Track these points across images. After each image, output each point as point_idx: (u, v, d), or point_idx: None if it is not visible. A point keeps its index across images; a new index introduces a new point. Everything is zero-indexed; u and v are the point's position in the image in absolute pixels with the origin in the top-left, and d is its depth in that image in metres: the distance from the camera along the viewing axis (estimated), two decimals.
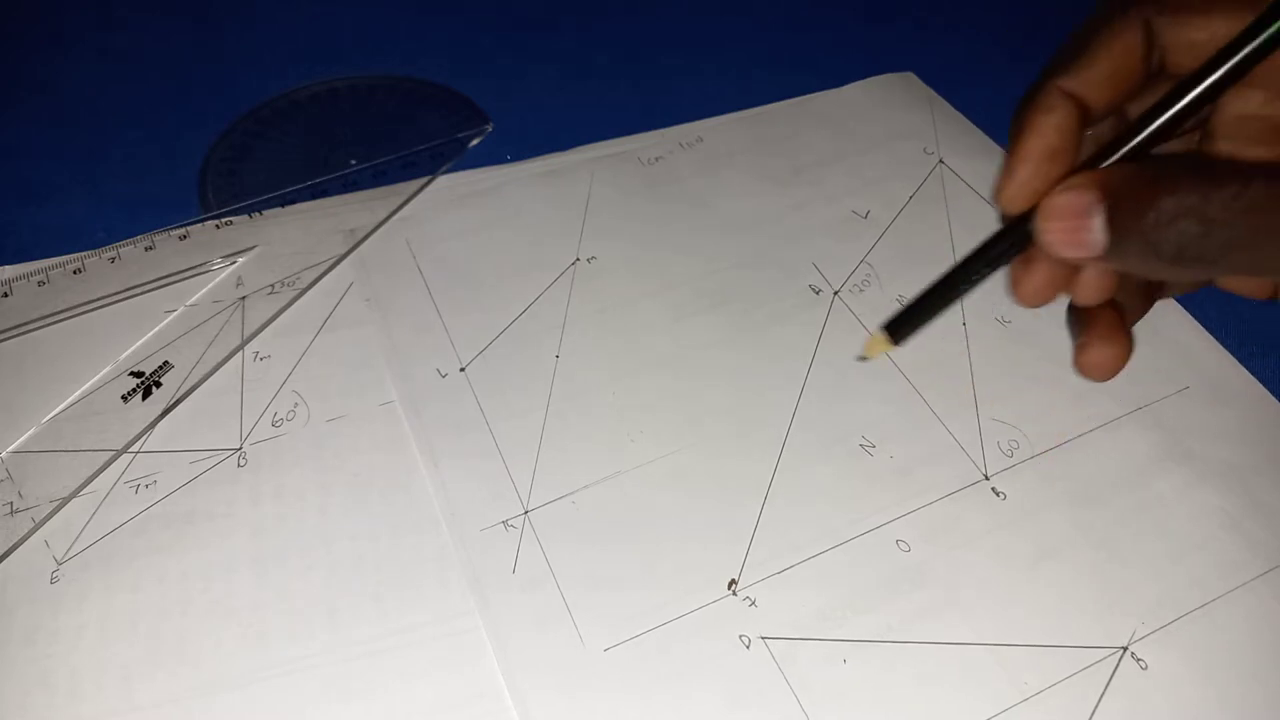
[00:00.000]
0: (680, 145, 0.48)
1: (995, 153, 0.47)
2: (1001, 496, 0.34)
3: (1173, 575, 0.32)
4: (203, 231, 0.43)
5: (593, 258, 0.43)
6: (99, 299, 0.40)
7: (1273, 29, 0.19)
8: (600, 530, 0.33)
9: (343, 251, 0.43)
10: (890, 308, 0.41)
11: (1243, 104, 0.22)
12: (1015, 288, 0.24)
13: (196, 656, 0.30)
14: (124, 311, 0.40)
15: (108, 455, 0.36)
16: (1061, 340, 0.25)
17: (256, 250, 0.43)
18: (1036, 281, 0.24)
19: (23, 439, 0.36)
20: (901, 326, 0.24)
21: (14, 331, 0.39)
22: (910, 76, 0.52)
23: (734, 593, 0.32)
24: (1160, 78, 0.22)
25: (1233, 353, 0.39)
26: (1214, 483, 0.35)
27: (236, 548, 0.33)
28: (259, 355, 0.39)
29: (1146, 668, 0.30)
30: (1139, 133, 0.21)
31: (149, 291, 0.41)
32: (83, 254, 0.42)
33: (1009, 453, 0.36)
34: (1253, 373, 0.38)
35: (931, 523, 0.34)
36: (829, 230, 0.44)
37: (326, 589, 0.32)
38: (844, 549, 0.33)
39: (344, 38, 0.55)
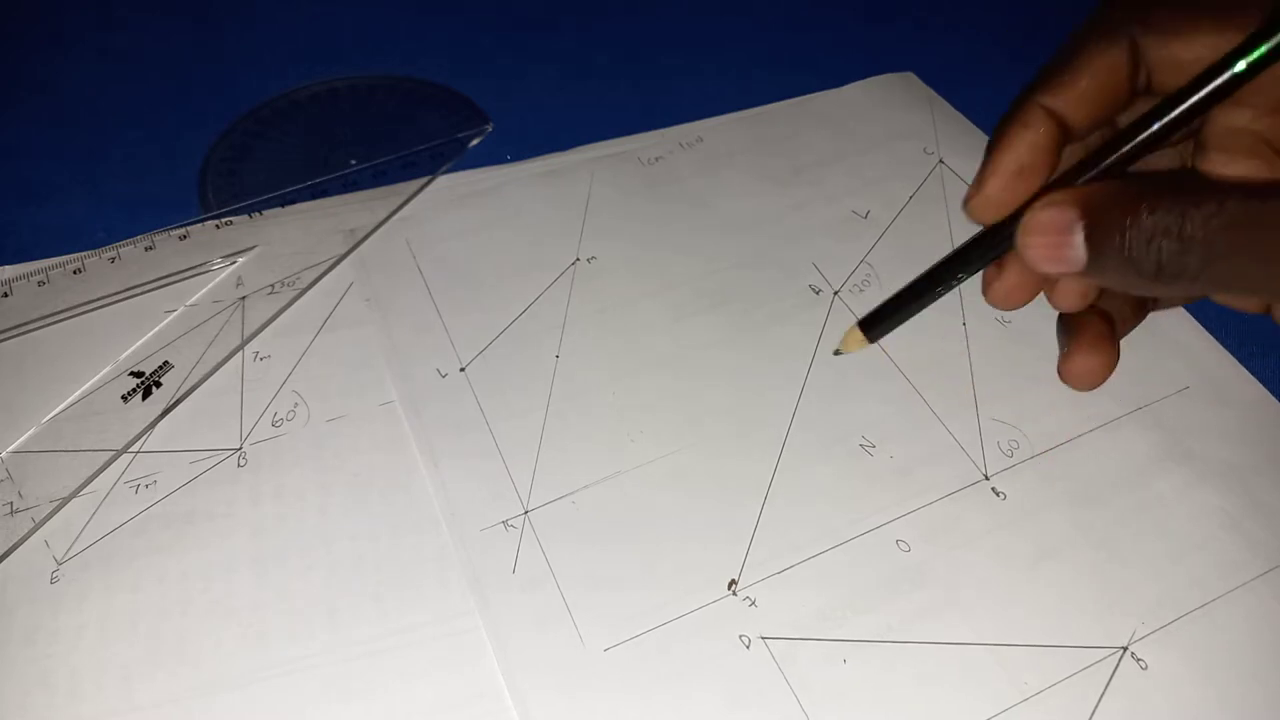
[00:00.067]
0: (680, 145, 0.48)
1: None
2: (1001, 496, 0.34)
3: (1173, 575, 0.32)
4: (203, 231, 0.43)
5: (593, 258, 0.43)
6: (99, 299, 0.40)
7: (1254, 55, 0.19)
8: (600, 530, 0.33)
9: (343, 251, 0.43)
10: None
11: (1231, 118, 0.22)
12: (986, 290, 0.25)
13: (196, 656, 0.30)
14: (124, 311, 0.40)
15: (108, 455, 0.36)
16: None
17: (256, 250, 0.43)
18: (1008, 285, 0.24)
19: (23, 439, 0.36)
20: (877, 324, 0.25)
21: (14, 331, 0.39)
22: (910, 76, 0.52)
23: (734, 593, 0.32)
24: (1146, 96, 0.23)
25: (1233, 353, 0.39)
26: (1214, 483, 0.35)
27: (236, 548, 0.33)
28: (259, 355, 0.39)
29: (1146, 668, 0.30)
30: (1121, 147, 0.21)
31: (149, 291, 0.41)
32: (83, 254, 0.42)
33: (1009, 453, 0.36)
34: (1253, 373, 0.38)
35: (931, 523, 0.34)
36: (829, 230, 0.44)
37: (326, 589, 0.32)
38: (844, 549, 0.33)
39: (344, 38, 0.55)
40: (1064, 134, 0.23)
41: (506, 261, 0.43)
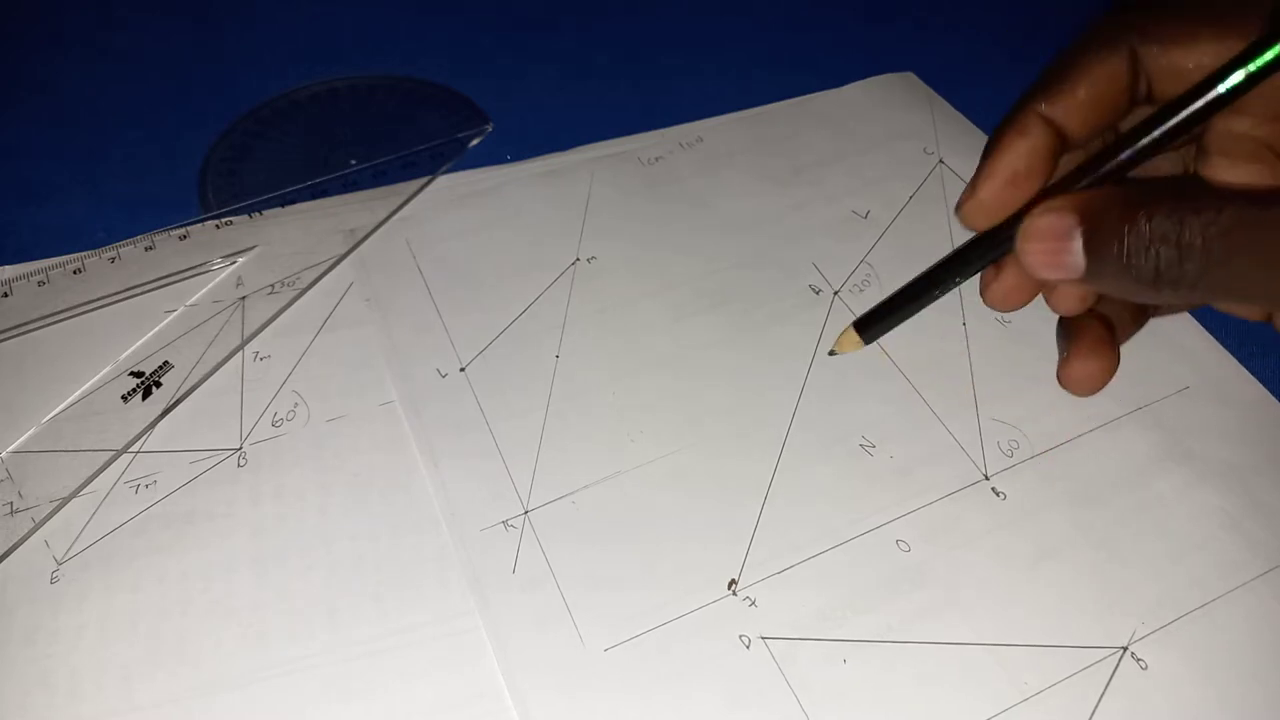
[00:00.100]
0: (680, 145, 0.48)
1: None
2: (1001, 496, 0.34)
3: (1173, 575, 0.32)
4: (203, 231, 0.43)
5: (593, 258, 0.43)
6: (99, 299, 0.40)
7: (1254, 65, 0.19)
8: (600, 530, 0.33)
9: (343, 251, 0.43)
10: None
11: (1233, 124, 0.22)
12: (985, 291, 0.24)
13: (196, 656, 0.30)
14: (124, 311, 0.40)
15: (108, 455, 0.36)
16: None
17: (256, 250, 0.43)
18: (1006, 286, 0.24)
19: (23, 439, 0.36)
20: (872, 325, 0.25)
21: (14, 331, 0.39)
22: (910, 76, 0.52)
23: (734, 593, 0.32)
24: (1146, 105, 0.22)
25: (1233, 353, 0.39)
26: (1214, 483, 0.35)
27: (236, 548, 0.33)
28: (259, 355, 0.39)
29: (1146, 668, 0.30)
30: (1121, 152, 0.21)
31: (149, 291, 0.41)
32: (83, 254, 0.42)
33: (1009, 453, 0.36)
34: (1253, 373, 0.38)
35: (931, 523, 0.34)
36: (829, 230, 0.44)
37: (326, 589, 0.32)
38: (844, 549, 0.33)
39: (344, 38, 0.55)
40: (1061, 142, 0.22)
41: (506, 261, 0.43)
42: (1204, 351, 0.39)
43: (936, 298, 0.24)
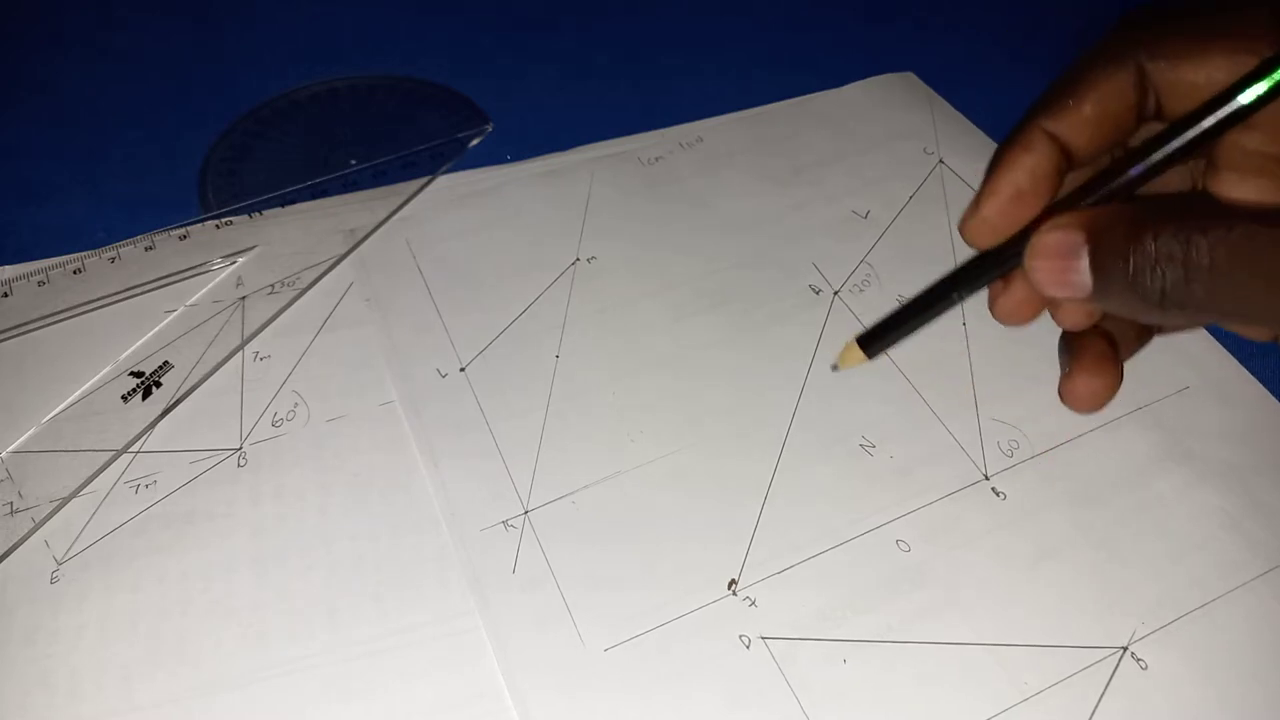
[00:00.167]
0: (680, 145, 0.48)
1: None
2: (1001, 496, 0.34)
3: (1173, 575, 0.32)
4: (203, 231, 0.43)
5: (593, 258, 0.43)
6: (99, 299, 0.40)
7: (1265, 84, 0.18)
8: (600, 530, 0.33)
9: (343, 251, 0.43)
10: (890, 307, 0.40)
11: (1243, 139, 0.21)
12: (993, 306, 0.24)
13: (196, 656, 0.30)
14: (124, 311, 0.40)
15: (108, 455, 0.36)
16: None
17: (256, 250, 0.43)
18: (1014, 301, 0.24)
19: (23, 439, 0.36)
20: (875, 340, 0.24)
21: (14, 331, 0.39)
22: (910, 76, 0.52)
23: (734, 593, 0.32)
24: (1155, 121, 0.22)
25: (1233, 353, 0.39)
26: (1214, 483, 0.35)
27: (236, 548, 0.33)
28: (259, 355, 0.39)
29: (1146, 668, 0.30)
30: (1131, 168, 0.20)
31: (149, 291, 0.41)
32: (83, 254, 0.42)
33: (1009, 453, 0.36)
34: (1253, 373, 0.38)
35: (931, 523, 0.34)
36: (829, 230, 0.44)
37: (326, 589, 0.32)
38: (844, 549, 0.33)
39: (344, 38, 0.55)
40: (1066, 159, 0.22)
41: (506, 261, 0.43)
42: (1204, 352, 0.39)
43: (941, 314, 0.23)
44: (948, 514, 0.34)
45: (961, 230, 0.23)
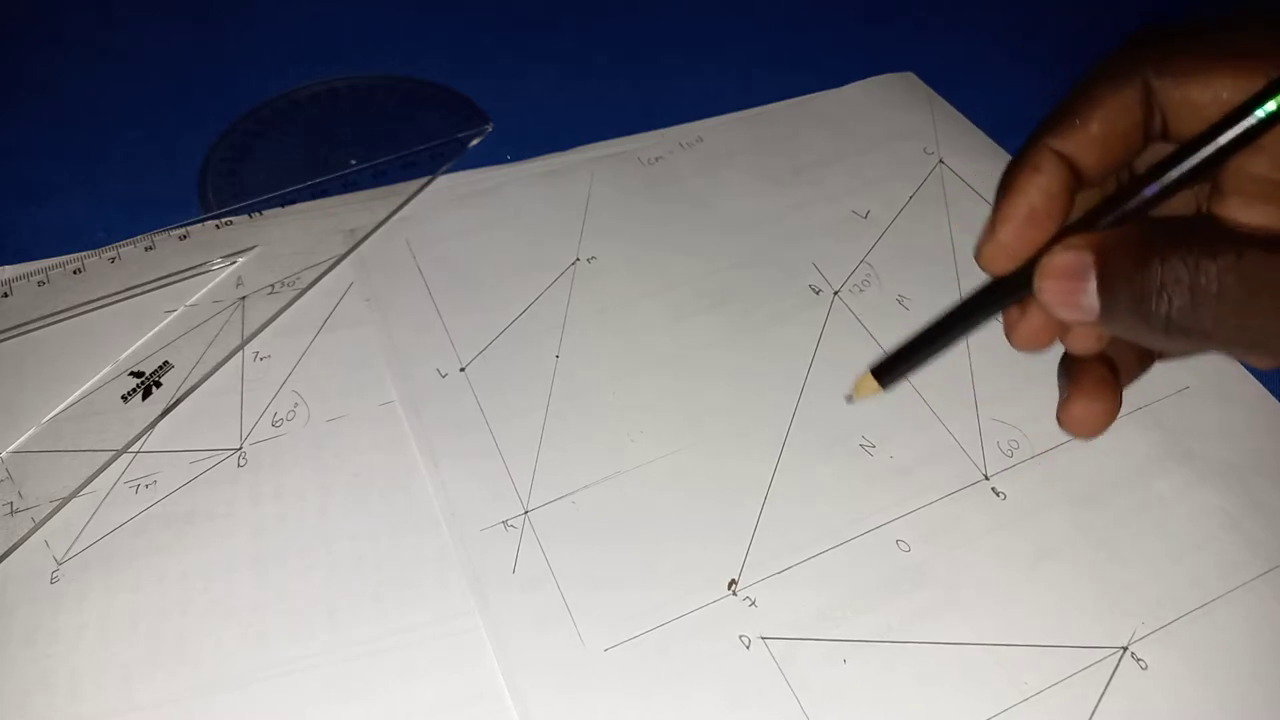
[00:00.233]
0: (680, 145, 0.48)
1: (995, 152, 0.47)
2: (1001, 496, 0.34)
3: (1173, 575, 0.32)
4: (203, 231, 0.43)
5: (593, 258, 0.43)
6: (99, 299, 0.40)
7: (1277, 102, 0.18)
8: (600, 530, 0.33)
9: (343, 251, 0.43)
10: (890, 307, 0.41)
11: (1250, 164, 0.21)
12: (1010, 333, 0.24)
13: (196, 656, 0.30)
14: (124, 311, 0.40)
15: (108, 455, 0.36)
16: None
17: (256, 250, 0.43)
18: (1031, 327, 0.23)
19: (23, 439, 0.36)
20: (890, 371, 0.24)
21: (14, 331, 0.39)
22: (910, 76, 0.52)
23: (734, 593, 0.32)
24: (1162, 141, 0.22)
25: None
26: (1214, 483, 0.35)
27: (236, 548, 0.33)
28: (259, 355, 0.39)
29: (1146, 668, 0.30)
30: (1144, 189, 0.20)
31: (149, 291, 0.41)
32: (83, 254, 0.42)
33: (1009, 453, 0.36)
34: (1252, 373, 0.38)
35: (931, 523, 0.34)
36: (829, 230, 0.44)
37: (326, 589, 0.32)
38: (844, 549, 0.33)
39: (344, 38, 0.55)
40: (1076, 179, 0.22)
41: (506, 261, 0.43)
42: None
43: (955, 341, 0.23)
44: (948, 514, 0.34)
45: (978, 258, 0.22)
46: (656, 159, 0.48)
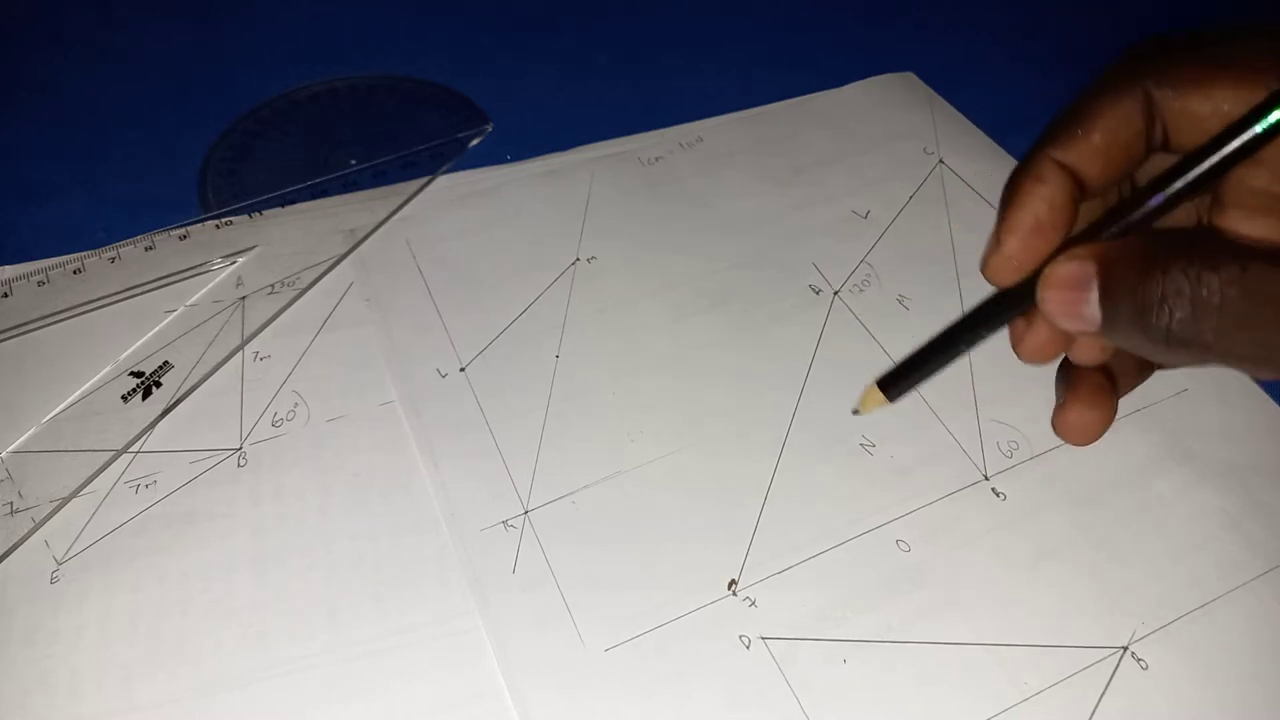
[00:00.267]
0: (680, 145, 0.48)
1: (995, 152, 0.47)
2: (1001, 497, 0.34)
3: (1173, 575, 0.32)
4: (203, 231, 0.43)
5: (593, 258, 0.43)
6: (99, 299, 0.40)
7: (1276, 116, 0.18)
8: (600, 530, 0.33)
9: (343, 251, 0.43)
10: (890, 307, 0.41)
11: (1251, 177, 0.21)
12: (1017, 345, 0.24)
13: (196, 656, 0.30)
14: (124, 311, 0.40)
15: (108, 455, 0.36)
16: None
17: (256, 250, 0.43)
18: (1039, 339, 0.23)
19: (23, 439, 0.36)
20: (896, 383, 0.24)
21: (14, 331, 0.39)
22: (910, 76, 0.52)
23: (734, 593, 0.32)
24: (1163, 153, 0.22)
25: None
26: (1214, 483, 0.35)
27: (236, 548, 0.33)
28: (259, 355, 0.39)
29: (1147, 668, 0.30)
30: (1149, 200, 0.20)
31: (149, 291, 0.41)
32: (83, 254, 0.42)
33: (1009, 454, 0.36)
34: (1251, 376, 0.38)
35: (931, 523, 0.34)
36: (829, 230, 0.44)
37: (326, 589, 0.32)
38: (844, 549, 0.33)
39: (344, 38, 0.55)
40: (1079, 189, 0.22)
41: (506, 261, 0.43)
42: None
43: (962, 353, 0.23)
44: (948, 514, 0.34)
45: (984, 271, 0.22)
46: (656, 159, 0.48)
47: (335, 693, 0.30)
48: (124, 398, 0.37)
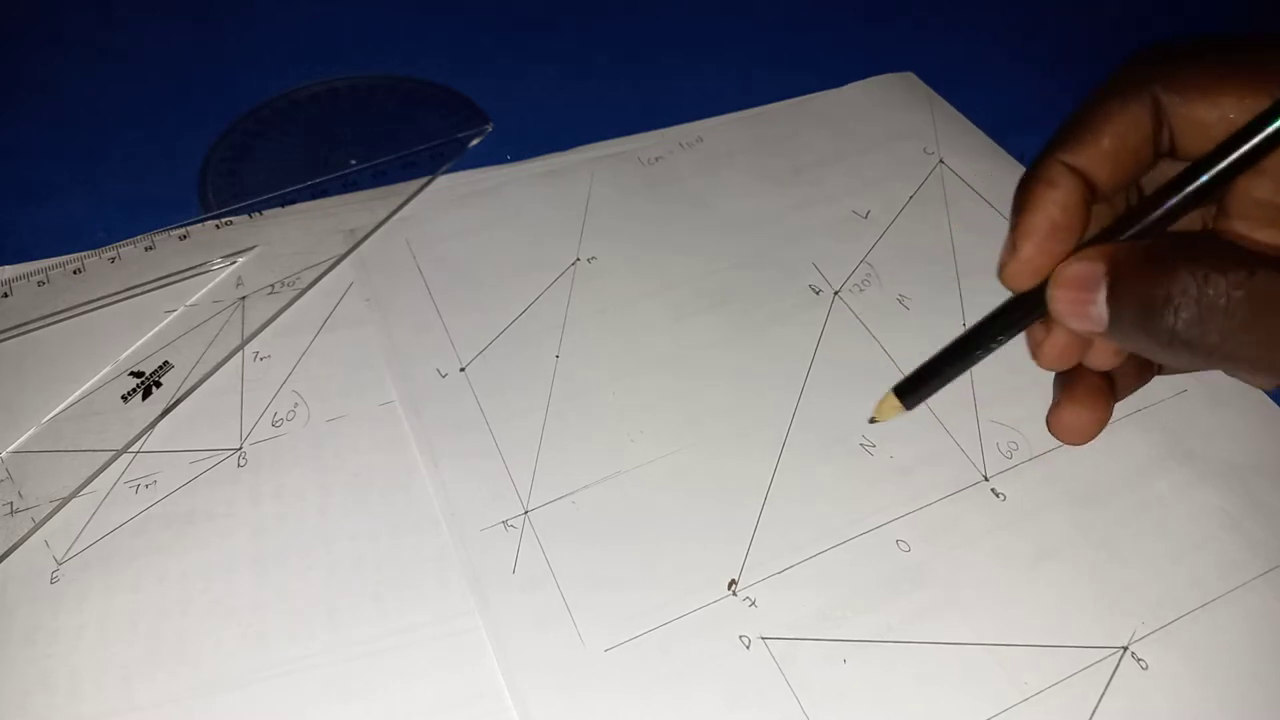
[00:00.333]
0: (680, 145, 0.48)
1: (995, 152, 0.47)
2: (1001, 498, 0.34)
3: (1173, 575, 0.32)
4: (203, 231, 0.43)
5: (593, 258, 0.43)
6: (99, 299, 0.40)
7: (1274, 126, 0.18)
8: (600, 530, 0.33)
9: (343, 251, 0.43)
10: (890, 307, 0.41)
11: (1254, 187, 0.21)
12: (1035, 352, 0.23)
13: (196, 656, 0.30)
14: (124, 311, 0.40)
15: (108, 455, 0.36)
16: None
17: (256, 250, 0.43)
18: (1058, 346, 0.23)
19: (23, 439, 0.36)
20: (914, 390, 0.24)
21: (14, 331, 0.39)
22: (910, 76, 0.52)
23: (734, 593, 0.32)
24: (1170, 160, 0.22)
25: None
26: (1214, 483, 0.35)
27: (236, 548, 0.33)
28: (259, 355, 0.39)
29: (1147, 668, 0.30)
30: (1155, 209, 0.20)
31: (149, 291, 0.41)
32: (83, 254, 0.42)
33: (1008, 454, 0.36)
34: None
35: (931, 523, 0.34)
36: (829, 230, 0.44)
37: (326, 589, 0.32)
38: (844, 549, 0.33)
39: (344, 38, 0.55)
40: (1091, 192, 0.22)
41: (506, 261, 0.43)
42: None
43: (978, 359, 0.23)
44: (948, 514, 0.34)
45: (1001, 277, 0.22)
46: (656, 159, 0.48)
47: (335, 693, 0.30)
48: (124, 398, 0.37)
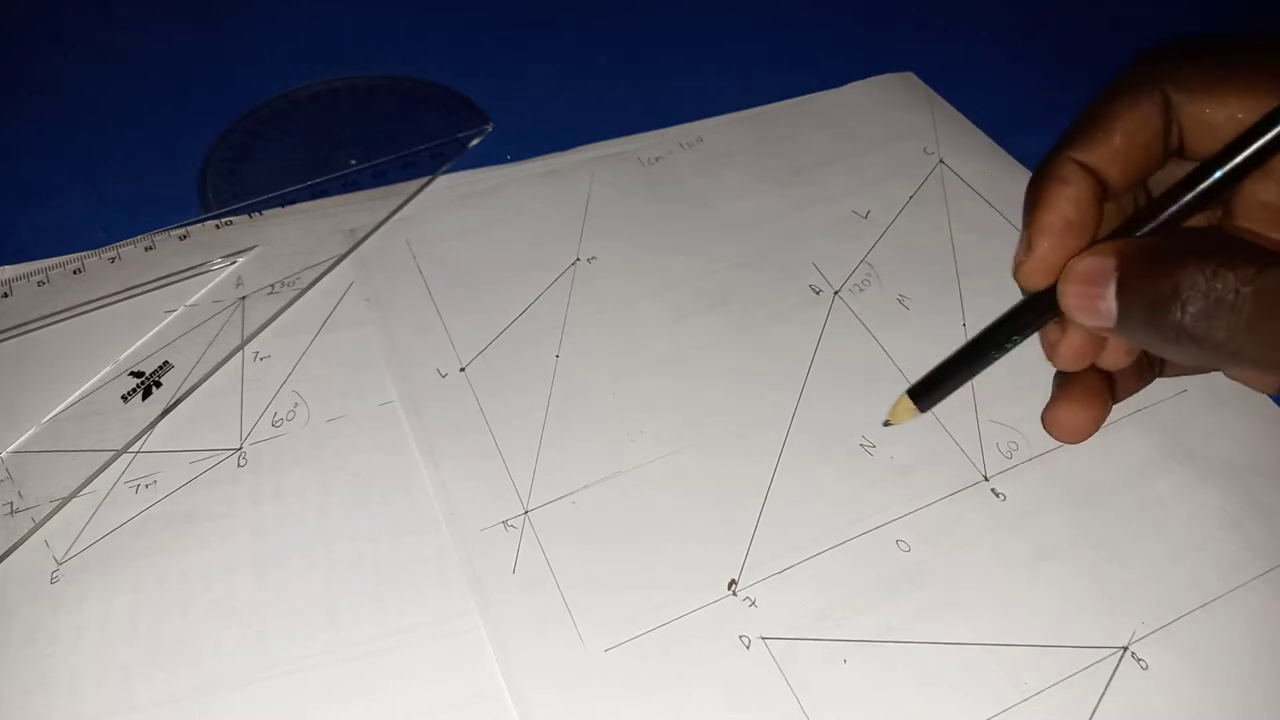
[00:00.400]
0: (680, 145, 0.48)
1: (995, 152, 0.47)
2: (1001, 498, 0.34)
3: (1173, 575, 0.32)
4: (203, 231, 0.43)
5: (593, 258, 0.43)
6: (99, 299, 0.40)
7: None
8: (600, 530, 0.33)
9: (343, 251, 0.43)
10: (890, 307, 0.41)
11: (1259, 190, 0.21)
12: (1051, 352, 0.23)
13: (196, 656, 0.30)
14: (124, 311, 0.40)
15: (108, 455, 0.36)
16: None
17: (256, 250, 0.43)
18: (1074, 345, 0.23)
19: (23, 439, 0.36)
20: (928, 393, 0.24)
21: (14, 331, 0.39)
22: (910, 76, 0.52)
23: (734, 593, 0.32)
24: (1179, 160, 0.22)
25: None
26: (1214, 483, 0.35)
27: (236, 548, 0.33)
28: (259, 355, 0.39)
29: (1147, 668, 0.30)
30: (1165, 209, 0.20)
31: (149, 291, 0.41)
32: (83, 254, 0.42)
33: (1008, 454, 0.36)
34: None
35: (931, 523, 0.34)
36: (829, 230, 0.44)
37: (326, 589, 0.32)
38: (844, 549, 0.33)
39: (344, 38, 0.55)
40: (1103, 190, 0.22)
41: (506, 261, 0.43)
42: None
43: (993, 360, 0.23)
44: (948, 514, 0.34)
45: (1017, 276, 0.22)
46: (656, 159, 0.48)
47: (335, 693, 0.30)
48: (124, 398, 0.37)
